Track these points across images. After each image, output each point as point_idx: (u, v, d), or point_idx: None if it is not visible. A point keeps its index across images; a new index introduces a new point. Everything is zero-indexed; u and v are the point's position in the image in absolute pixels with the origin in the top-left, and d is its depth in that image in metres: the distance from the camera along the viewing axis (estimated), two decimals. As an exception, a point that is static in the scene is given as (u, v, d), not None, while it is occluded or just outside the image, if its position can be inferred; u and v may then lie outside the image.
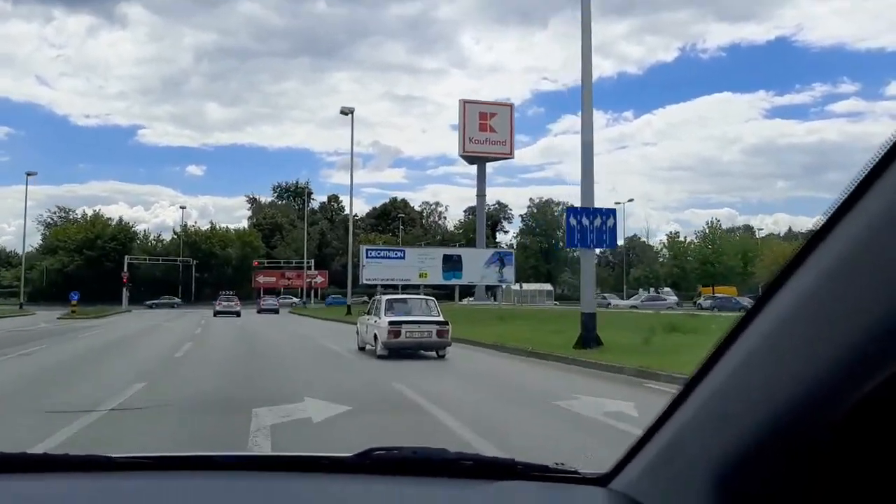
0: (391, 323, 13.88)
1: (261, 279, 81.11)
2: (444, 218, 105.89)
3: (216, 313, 43.26)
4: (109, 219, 77.12)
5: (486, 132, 66.54)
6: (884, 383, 0.63)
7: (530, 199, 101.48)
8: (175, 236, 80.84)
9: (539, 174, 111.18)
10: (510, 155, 67.88)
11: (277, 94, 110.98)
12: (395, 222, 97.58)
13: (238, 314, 43.04)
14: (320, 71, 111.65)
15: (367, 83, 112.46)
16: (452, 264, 58.74)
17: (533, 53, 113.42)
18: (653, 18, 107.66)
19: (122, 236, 74.36)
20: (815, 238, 0.68)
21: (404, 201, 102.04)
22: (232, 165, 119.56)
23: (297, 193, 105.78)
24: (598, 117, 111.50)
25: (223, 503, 1.23)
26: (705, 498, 0.88)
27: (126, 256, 65.27)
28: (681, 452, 0.96)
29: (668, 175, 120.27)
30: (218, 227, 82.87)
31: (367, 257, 58.83)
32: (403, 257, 58.98)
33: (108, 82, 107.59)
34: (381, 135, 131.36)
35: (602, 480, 1.19)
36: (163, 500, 1.23)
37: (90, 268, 70.30)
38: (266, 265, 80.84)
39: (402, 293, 43.64)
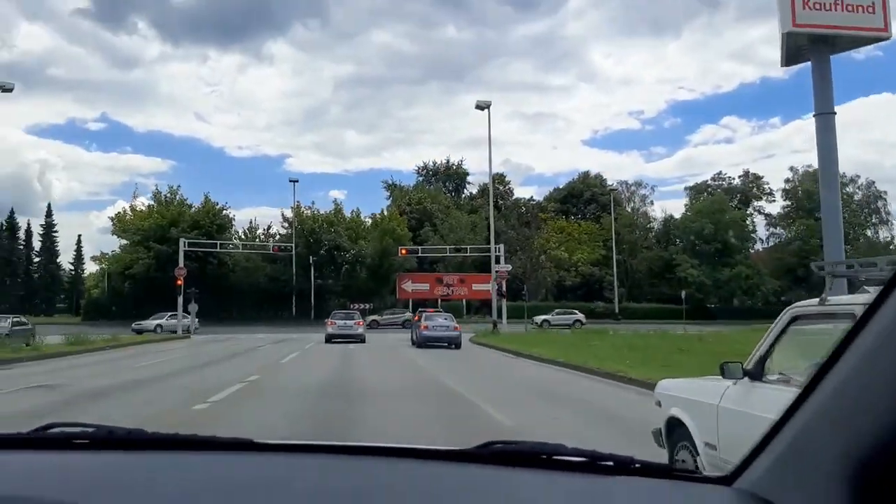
0: None
1: (408, 286, 54.78)
2: (651, 202, 75.54)
3: (329, 338, 27.70)
4: (186, 199, 53.24)
5: (838, -10, 34.17)
6: None
7: (791, 167, 69.27)
8: (284, 226, 56.35)
9: (675, 187, 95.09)
10: (884, 30, 35.26)
11: (410, 119, 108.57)
12: (591, 206, 68.69)
13: (362, 339, 27.57)
14: (450, 94, 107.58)
15: (496, 103, 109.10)
16: None
17: (666, 64, 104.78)
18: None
19: (208, 223, 50.32)
20: None
21: (600, 177, 72.78)
22: (371, 190, 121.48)
23: (448, 176, 79.85)
24: (741, 126, 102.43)
25: (356, 482, 1.25)
26: (838, 493, 0.85)
27: (182, 240, 40.03)
28: (810, 448, 0.93)
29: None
30: (344, 212, 57.27)
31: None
32: None
33: (257, 115, 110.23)
34: (512, 153, 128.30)
35: (726, 480, 1.15)
36: (299, 475, 1.28)
37: (162, 269, 46.86)
38: (417, 260, 54.26)
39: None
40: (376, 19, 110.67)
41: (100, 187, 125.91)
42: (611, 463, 1.26)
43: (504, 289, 36.69)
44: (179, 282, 34.98)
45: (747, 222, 64.83)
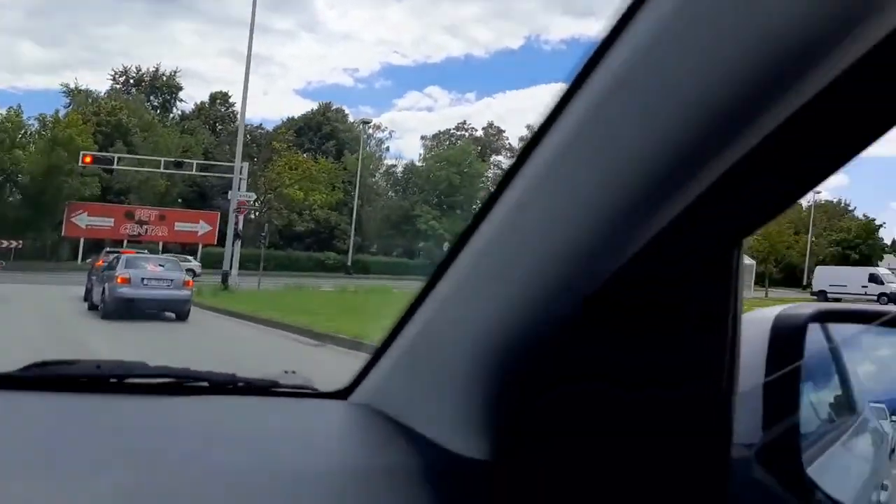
0: None
1: (81, 220, 40.73)
2: (388, 148, 69.54)
3: None
4: None
5: None
6: (631, 261, 0.64)
7: (528, 125, 68.11)
8: None
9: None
10: None
11: (104, 37, 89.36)
12: (330, 142, 60.30)
13: None
14: (158, 17, 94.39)
15: (209, 37, 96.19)
16: None
17: (386, 25, 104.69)
18: (504, 4, 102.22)
19: None
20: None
21: (342, 111, 64.53)
22: (49, 110, 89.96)
23: (156, 88, 64.52)
24: (443, 96, 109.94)
25: None
26: (455, 393, 0.83)
27: None
28: (425, 352, 0.89)
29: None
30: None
31: None
32: None
33: None
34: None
35: (341, 394, 1.08)
36: None
37: None
38: (102, 188, 40.74)
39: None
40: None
41: None
42: (205, 383, 1.07)
43: (241, 227, 26.85)
44: None
45: (489, 175, 62.60)
